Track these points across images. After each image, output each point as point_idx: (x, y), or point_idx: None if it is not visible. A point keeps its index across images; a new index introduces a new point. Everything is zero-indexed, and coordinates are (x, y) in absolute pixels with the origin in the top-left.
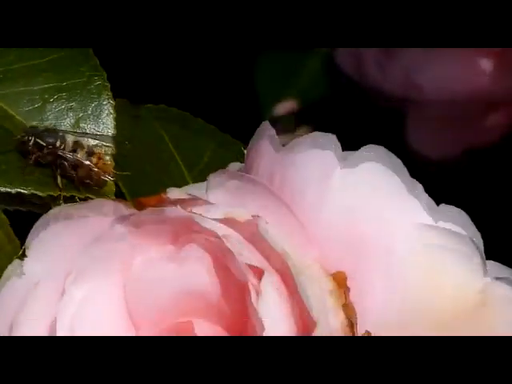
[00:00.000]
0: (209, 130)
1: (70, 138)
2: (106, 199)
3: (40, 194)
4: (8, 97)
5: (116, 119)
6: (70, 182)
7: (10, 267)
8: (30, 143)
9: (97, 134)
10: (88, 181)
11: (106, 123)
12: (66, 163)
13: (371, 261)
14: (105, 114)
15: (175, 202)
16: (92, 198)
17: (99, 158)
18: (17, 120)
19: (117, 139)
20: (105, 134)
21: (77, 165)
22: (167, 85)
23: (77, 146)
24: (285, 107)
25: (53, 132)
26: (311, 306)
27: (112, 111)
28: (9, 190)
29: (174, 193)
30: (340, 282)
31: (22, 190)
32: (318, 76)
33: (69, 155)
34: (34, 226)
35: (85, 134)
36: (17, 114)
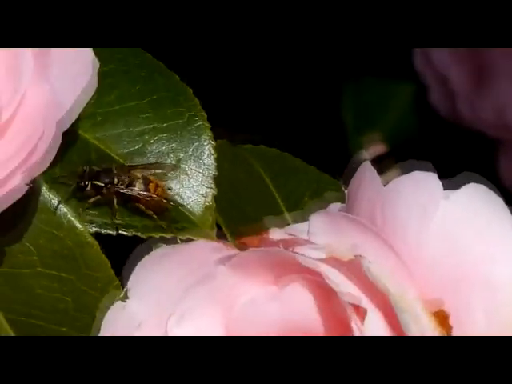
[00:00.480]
0: (308, 170)
1: (124, 173)
2: (208, 240)
3: (142, 235)
4: (108, 139)
5: (217, 159)
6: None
7: (112, 308)
8: (88, 188)
9: (150, 163)
10: (150, 210)
11: (207, 164)
12: (126, 198)
13: (473, 296)
14: (206, 155)
15: (277, 243)
16: (193, 239)
17: (157, 186)
18: (117, 162)
19: (217, 180)
20: (206, 171)
21: (137, 197)
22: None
23: (132, 178)
24: (374, 150)
25: (107, 171)
26: None
27: (213, 152)
28: (110, 232)
29: (276, 233)
30: (442, 320)
31: (124, 233)
32: (406, 116)
33: (127, 190)
34: (136, 267)
35: (138, 166)
36: (117, 156)
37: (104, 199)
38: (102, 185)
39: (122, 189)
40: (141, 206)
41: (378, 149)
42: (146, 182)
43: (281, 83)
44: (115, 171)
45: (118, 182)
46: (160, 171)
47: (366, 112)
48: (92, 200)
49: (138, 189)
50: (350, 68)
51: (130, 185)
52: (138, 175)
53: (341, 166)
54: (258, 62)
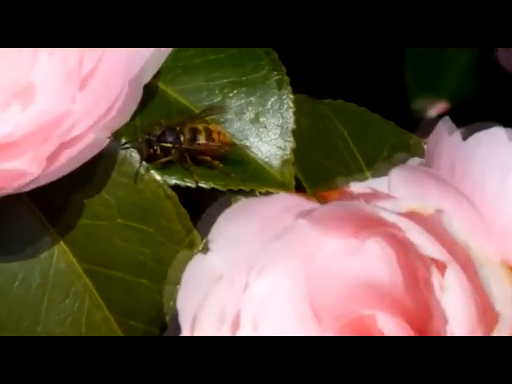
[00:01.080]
0: (387, 125)
1: (185, 128)
2: (288, 193)
3: (221, 188)
4: (188, 92)
5: (295, 113)
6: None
7: (192, 260)
8: (158, 151)
9: (207, 109)
10: (217, 159)
11: (285, 117)
12: (193, 153)
13: None
14: (284, 109)
15: (358, 196)
16: (272, 192)
17: (219, 133)
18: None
19: (296, 134)
20: (285, 125)
21: (202, 150)
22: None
23: (194, 131)
24: (437, 109)
25: (171, 129)
26: (494, 300)
27: (291, 105)
28: (189, 184)
29: (356, 187)
30: None
31: (204, 185)
32: (469, 74)
33: (194, 145)
34: (217, 221)
35: (195, 116)
36: (196, 109)
37: (175, 158)
38: (170, 145)
39: (189, 145)
40: (207, 157)
41: (440, 108)
42: (208, 132)
43: (347, 47)
44: (178, 128)
45: (184, 139)
46: (218, 115)
47: (428, 74)
48: (164, 160)
49: (203, 141)
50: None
51: (194, 139)
52: (200, 127)
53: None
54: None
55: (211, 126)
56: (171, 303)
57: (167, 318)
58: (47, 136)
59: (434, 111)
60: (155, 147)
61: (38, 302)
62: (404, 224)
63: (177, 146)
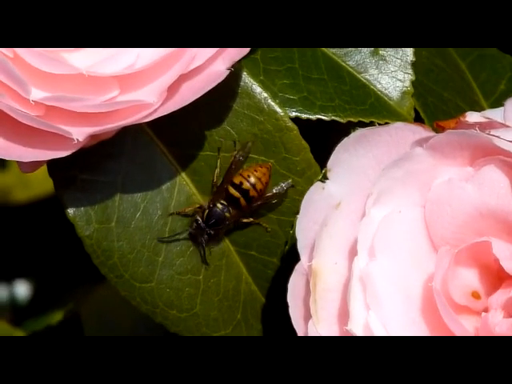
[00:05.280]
0: (505, 58)
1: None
2: (406, 123)
3: (341, 120)
4: None
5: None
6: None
7: (311, 189)
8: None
9: (231, 166)
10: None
11: (405, 50)
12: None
13: None
14: None
15: (474, 125)
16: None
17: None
18: None
19: (415, 67)
20: (404, 57)
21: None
22: None
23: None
24: None
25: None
26: None
27: None
28: (309, 116)
29: (472, 116)
30: None
31: (323, 117)
32: None
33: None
34: (335, 150)
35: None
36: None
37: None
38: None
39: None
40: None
41: None
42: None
43: None
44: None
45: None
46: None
47: None
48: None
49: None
50: None
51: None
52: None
53: None
54: None
55: (248, 173)
56: (291, 232)
57: (287, 248)
58: (168, 67)
59: None
60: (207, 233)
61: (160, 232)
62: None
63: (226, 223)
